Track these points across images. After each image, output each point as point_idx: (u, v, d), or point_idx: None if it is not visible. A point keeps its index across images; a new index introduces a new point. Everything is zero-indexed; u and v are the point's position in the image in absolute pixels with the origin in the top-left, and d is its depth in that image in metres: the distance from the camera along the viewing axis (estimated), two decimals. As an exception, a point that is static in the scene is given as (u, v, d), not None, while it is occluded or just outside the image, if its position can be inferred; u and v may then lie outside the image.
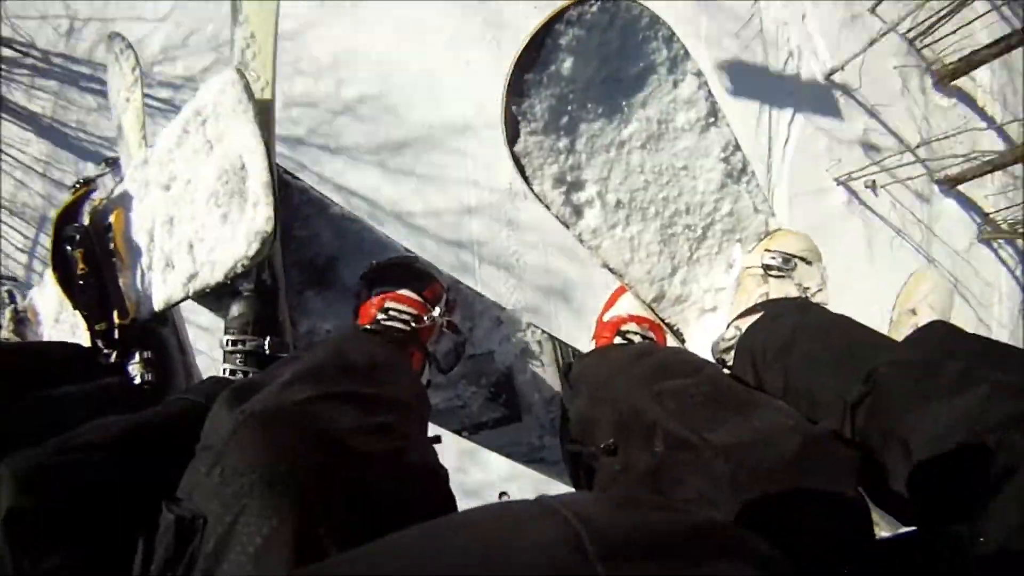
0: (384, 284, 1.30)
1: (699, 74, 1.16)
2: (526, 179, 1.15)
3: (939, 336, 1.12)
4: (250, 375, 1.21)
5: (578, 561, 0.40)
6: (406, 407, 1.06)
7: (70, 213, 1.33)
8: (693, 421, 0.81)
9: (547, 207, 1.17)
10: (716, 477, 0.74)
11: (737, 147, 1.19)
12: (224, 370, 1.22)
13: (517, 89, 1.10)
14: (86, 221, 1.32)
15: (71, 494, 0.82)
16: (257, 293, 1.25)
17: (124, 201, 1.32)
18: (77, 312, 1.31)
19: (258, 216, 1.16)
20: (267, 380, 0.90)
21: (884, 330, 1.19)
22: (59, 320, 1.48)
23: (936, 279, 1.24)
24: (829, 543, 0.71)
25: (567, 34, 1.09)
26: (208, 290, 1.23)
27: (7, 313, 1.69)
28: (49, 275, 1.33)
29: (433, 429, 1.26)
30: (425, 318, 1.25)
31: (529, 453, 1.40)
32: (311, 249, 1.37)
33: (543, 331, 1.40)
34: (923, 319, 1.17)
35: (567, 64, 1.10)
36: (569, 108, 1.12)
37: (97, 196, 1.35)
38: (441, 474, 0.91)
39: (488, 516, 0.51)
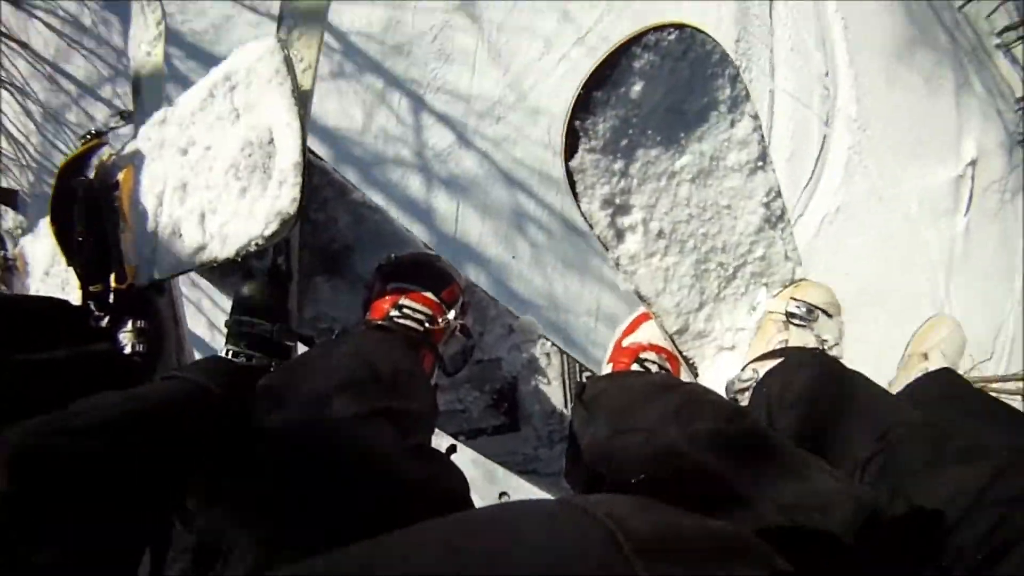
0: (401, 280, 1.26)
1: (756, 117, 1.17)
2: (576, 195, 1.13)
3: (945, 390, 1.17)
4: (253, 360, 1.15)
5: (615, 558, 0.40)
6: (428, 420, 1.04)
7: (77, 165, 1.24)
8: (749, 476, 0.81)
9: (591, 226, 1.16)
10: (772, 534, 0.75)
11: (779, 194, 1.21)
12: (227, 351, 1.16)
13: (584, 105, 1.08)
14: (92, 175, 1.23)
15: (69, 482, 0.76)
16: (270, 277, 1.20)
17: (136, 159, 1.23)
18: (70, 268, 1.22)
19: (283, 196, 1.10)
20: (293, 384, 0.86)
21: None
22: (49, 274, 1.38)
23: (952, 327, 1.30)
24: None
25: (642, 58, 1.07)
26: (215, 264, 1.16)
27: None
28: (45, 225, 1.23)
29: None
30: (440, 320, 1.22)
31: (523, 463, 1.39)
32: (326, 234, 1.31)
33: (553, 344, 1.39)
34: (933, 365, 1.23)
35: (637, 88, 1.09)
36: (630, 131, 1.11)
37: (107, 150, 1.25)
38: (468, 495, 0.89)
39: (518, 512, 0.51)
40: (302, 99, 1.20)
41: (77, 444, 0.78)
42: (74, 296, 1.25)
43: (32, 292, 1.48)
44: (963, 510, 0.81)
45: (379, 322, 1.18)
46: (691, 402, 1.03)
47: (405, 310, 1.20)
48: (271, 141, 1.13)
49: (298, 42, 1.20)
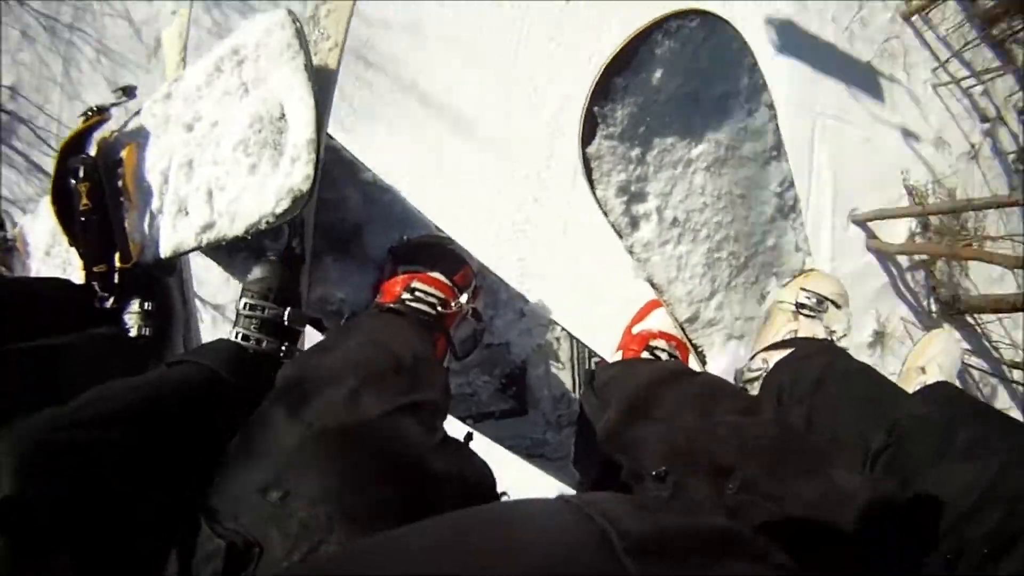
0: (413, 262, 1.25)
1: (772, 107, 1.17)
2: (591, 182, 1.13)
3: (948, 396, 1.19)
4: (264, 344, 1.14)
5: (607, 558, 0.40)
6: (445, 408, 1.04)
7: (77, 142, 1.20)
8: (773, 470, 0.82)
9: (605, 213, 1.15)
10: (797, 527, 0.77)
11: (792, 184, 1.21)
12: (236, 334, 1.14)
13: (604, 90, 1.07)
14: (94, 152, 1.20)
15: (81, 479, 0.73)
16: (283, 260, 1.18)
17: (139, 136, 1.21)
18: (71, 249, 1.20)
19: (295, 173, 1.08)
20: (322, 381, 0.85)
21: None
22: (50, 254, 1.35)
23: (948, 341, 1.31)
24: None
25: (663, 45, 1.07)
26: (223, 243, 1.14)
27: None
28: (46, 205, 1.21)
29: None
30: (452, 304, 1.21)
31: (531, 447, 1.39)
32: (336, 213, 1.29)
33: (563, 329, 1.39)
34: (931, 378, 1.25)
35: (656, 74, 1.08)
36: (648, 119, 1.11)
37: (109, 127, 1.23)
38: (494, 484, 0.89)
39: (513, 512, 0.51)
40: (327, 78, 1.18)
41: (90, 435, 0.77)
42: (76, 277, 1.23)
43: (33, 273, 1.45)
44: (971, 505, 0.82)
45: (391, 305, 1.17)
46: (707, 391, 1.04)
47: (417, 293, 1.19)
48: (282, 116, 1.10)
49: (326, 19, 1.17)
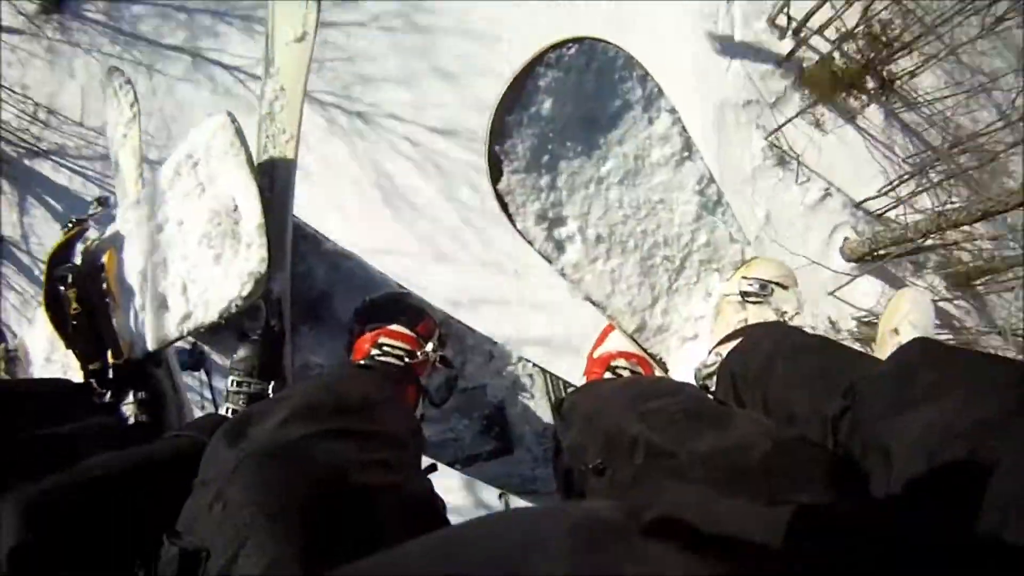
0: (377, 320, 1.33)
1: (673, 111, 1.21)
2: (510, 216, 1.18)
3: (917, 351, 1.16)
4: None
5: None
6: (402, 443, 1.08)
7: (62, 253, 1.35)
8: (674, 434, 0.84)
9: (530, 243, 1.20)
10: (694, 482, 0.78)
11: (711, 180, 1.24)
12: (227, 409, 1.25)
13: (499, 130, 1.13)
14: (78, 261, 1.34)
15: (78, 530, 0.83)
16: (264, 338, 1.28)
17: (116, 241, 1.35)
18: (70, 352, 1.32)
19: (252, 256, 1.18)
20: (261, 416, 0.91)
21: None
22: (50, 360, 1.50)
23: (915, 297, 1.29)
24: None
25: (546, 76, 1.13)
26: (203, 330, 1.24)
27: None
28: (41, 315, 1.34)
29: (427, 462, 1.27)
30: (418, 353, 1.28)
31: (522, 485, 1.41)
32: (304, 284, 1.40)
33: (534, 364, 1.42)
34: (905, 338, 1.21)
35: (546, 105, 1.14)
36: (549, 147, 1.16)
37: (92, 235, 1.37)
38: (439, 505, 0.93)
39: (504, 522, 0.55)
40: (287, 167, 1.30)
41: (86, 493, 0.87)
42: (77, 378, 1.34)
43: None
44: (933, 448, 0.80)
45: (361, 362, 1.24)
46: (644, 389, 1.06)
47: (385, 348, 1.26)
48: (236, 208, 1.21)
49: (281, 114, 1.30)
